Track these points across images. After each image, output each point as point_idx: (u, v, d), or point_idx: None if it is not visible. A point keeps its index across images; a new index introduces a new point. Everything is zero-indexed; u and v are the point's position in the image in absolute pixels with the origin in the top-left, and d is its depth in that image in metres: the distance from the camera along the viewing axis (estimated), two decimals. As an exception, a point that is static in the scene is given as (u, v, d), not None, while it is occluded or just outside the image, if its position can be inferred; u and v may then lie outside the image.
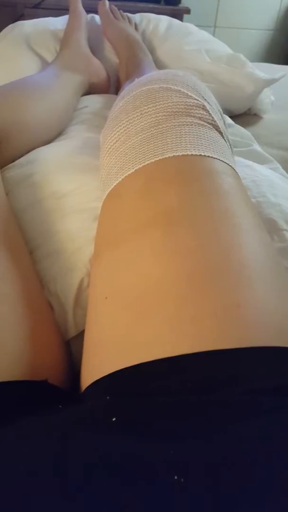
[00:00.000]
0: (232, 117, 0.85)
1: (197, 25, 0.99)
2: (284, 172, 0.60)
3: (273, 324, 0.25)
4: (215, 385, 0.22)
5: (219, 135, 0.37)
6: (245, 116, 0.89)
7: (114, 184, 0.35)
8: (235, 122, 0.79)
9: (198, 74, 0.84)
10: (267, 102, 0.89)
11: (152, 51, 0.87)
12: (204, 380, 0.22)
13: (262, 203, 0.45)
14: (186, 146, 0.34)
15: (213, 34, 1.91)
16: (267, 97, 0.88)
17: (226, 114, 0.83)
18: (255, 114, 0.90)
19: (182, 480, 0.17)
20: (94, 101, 0.71)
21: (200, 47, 0.87)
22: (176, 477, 0.17)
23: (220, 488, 0.17)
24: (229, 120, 0.76)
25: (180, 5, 1.55)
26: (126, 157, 0.35)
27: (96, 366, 0.27)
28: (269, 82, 0.82)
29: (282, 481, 0.17)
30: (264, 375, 0.22)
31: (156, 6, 1.50)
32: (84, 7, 0.83)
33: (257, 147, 0.66)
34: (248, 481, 0.17)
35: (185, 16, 1.52)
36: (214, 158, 0.34)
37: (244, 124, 0.82)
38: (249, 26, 1.99)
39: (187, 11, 1.52)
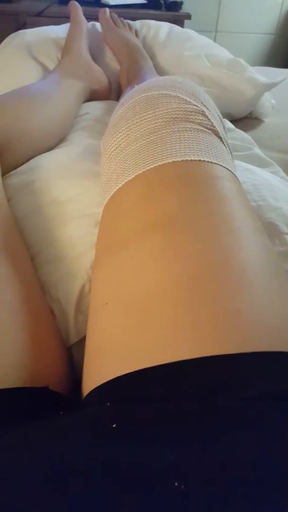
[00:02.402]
0: (233, 121, 0.86)
1: (198, 30, 1.00)
2: (285, 175, 0.60)
3: (274, 328, 0.25)
4: (216, 390, 0.22)
5: (218, 140, 0.37)
6: (246, 120, 0.90)
7: (115, 190, 0.35)
8: (236, 126, 0.79)
9: (198, 79, 0.84)
10: (268, 106, 0.89)
11: (152, 57, 0.87)
12: (204, 385, 0.22)
13: (262, 206, 0.45)
14: (186, 152, 0.34)
15: (214, 39, 1.92)
16: (268, 100, 0.89)
17: (227, 119, 0.83)
18: (256, 118, 0.90)
19: (183, 486, 0.17)
20: (96, 108, 0.72)
21: (200, 52, 0.87)
22: (176, 483, 0.17)
23: (220, 494, 0.17)
24: (229, 125, 0.76)
25: (181, 11, 1.56)
26: (126, 163, 0.35)
27: (97, 372, 0.27)
28: (269, 86, 0.83)
29: (282, 486, 0.17)
30: (265, 380, 0.22)
31: (157, 12, 1.51)
32: (85, 15, 0.84)
33: (257, 150, 0.67)
34: (247, 486, 0.17)
35: (186, 21, 1.53)
36: (213, 163, 0.34)
37: (246, 128, 0.82)
38: (250, 31, 2.00)
39: (188, 16, 1.53)
